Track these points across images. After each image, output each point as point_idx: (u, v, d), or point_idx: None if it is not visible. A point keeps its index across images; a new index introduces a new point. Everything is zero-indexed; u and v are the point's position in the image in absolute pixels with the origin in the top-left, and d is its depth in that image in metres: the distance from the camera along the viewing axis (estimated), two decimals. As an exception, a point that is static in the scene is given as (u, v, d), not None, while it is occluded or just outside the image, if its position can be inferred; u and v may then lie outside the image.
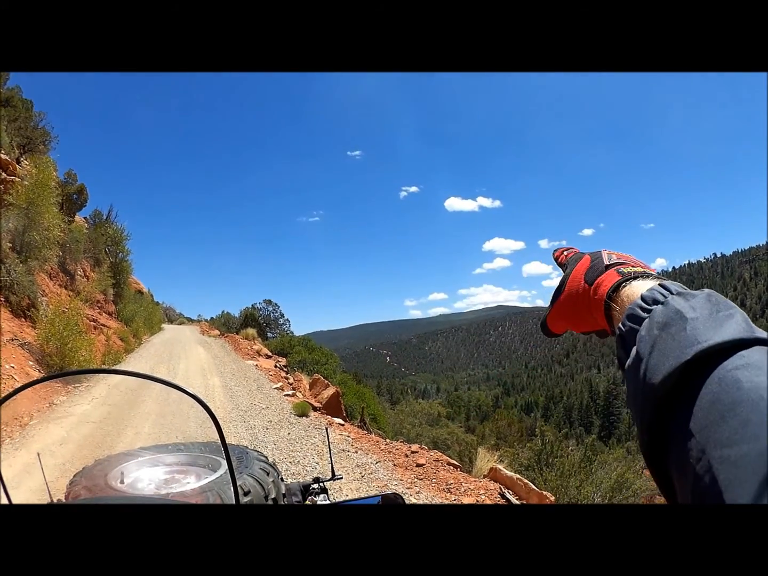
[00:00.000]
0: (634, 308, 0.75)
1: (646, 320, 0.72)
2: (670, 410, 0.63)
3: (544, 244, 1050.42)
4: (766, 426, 0.51)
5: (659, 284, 0.78)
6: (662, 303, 0.72)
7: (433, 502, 9.15)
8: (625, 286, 0.85)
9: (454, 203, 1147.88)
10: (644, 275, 0.86)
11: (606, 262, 0.96)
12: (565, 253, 1.17)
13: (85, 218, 35.06)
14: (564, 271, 1.10)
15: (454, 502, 9.44)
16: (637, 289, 0.82)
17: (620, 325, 0.77)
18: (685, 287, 0.76)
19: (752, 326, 0.65)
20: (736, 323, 0.64)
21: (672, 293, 0.74)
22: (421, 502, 9.24)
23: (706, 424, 0.56)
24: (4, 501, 1.33)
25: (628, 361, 0.72)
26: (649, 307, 0.73)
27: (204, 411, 1.24)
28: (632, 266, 0.91)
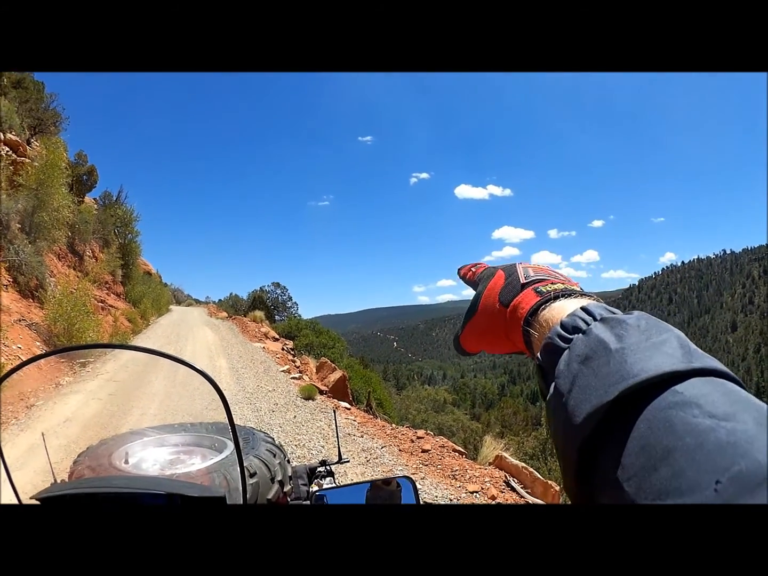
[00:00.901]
0: (553, 338, 0.67)
1: (566, 352, 0.64)
2: (594, 455, 0.56)
3: (553, 234, 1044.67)
4: (703, 476, 0.45)
5: (581, 308, 0.69)
6: (583, 332, 0.64)
7: (440, 491, 9.19)
8: (544, 309, 0.78)
9: (465, 191, 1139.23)
10: (565, 294, 0.79)
11: (522, 279, 0.88)
12: (473, 269, 1.12)
13: (94, 199, 35.26)
14: (475, 289, 1.04)
15: (459, 489, 9.45)
16: (558, 311, 0.75)
17: (538, 355, 0.70)
18: (613, 309, 0.69)
19: (691, 352, 0.57)
20: (669, 352, 0.56)
21: (595, 319, 0.66)
22: (425, 487, 9.28)
23: (635, 473, 0.50)
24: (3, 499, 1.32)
25: (548, 396, 0.65)
26: (569, 336, 0.66)
27: (212, 389, 1.23)
28: (551, 283, 0.84)
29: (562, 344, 0.65)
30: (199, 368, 1.26)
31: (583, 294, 0.78)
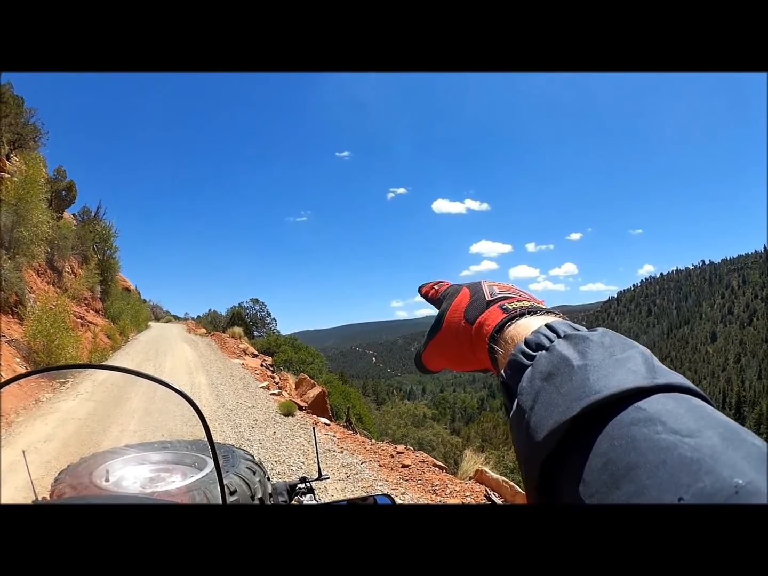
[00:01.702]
0: (517, 354, 0.66)
1: (529, 369, 0.64)
2: (556, 471, 0.56)
3: (531, 247, 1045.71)
4: (666, 493, 0.45)
5: (546, 325, 0.69)
6: (547, 348, 0.64)
7: (421, 503, 9.17)
8: (509, 326, 0.76)
9: (442, 205, 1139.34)
10: (531, 311, 0.77)
11: (488, 297, 0.87)
12: (436, 287, 1.12)
13: (73, 215, 34.98)
14: (437, 307, 1.04)
15: (441, 503, 9.41)
16: (523, 328, 0.73)
17: (503, 371, 0.69)
18: (577, 326, 0.69)
19: (655, 368, 0.56)
20: (632, 368, 0.56)
21: (559, 336, 0.66)
22: (406, 502, 9.11)
23: (597, 490, 0.50)
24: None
25: (511, 413, 0.64)
26: (532, 353, 0.65)
27: (191, 408, 1.24)
28: (517, 300, 0.83)
29: (526, 361, 0.65)
30: (177, 388, 1.28)
31: (548, 311, 0.78)
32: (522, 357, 0.65)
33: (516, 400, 0.63)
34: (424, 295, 1.14)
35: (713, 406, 0.53)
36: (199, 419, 1.25)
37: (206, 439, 1.25)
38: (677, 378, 0.55)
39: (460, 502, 9.46)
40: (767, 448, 0.45)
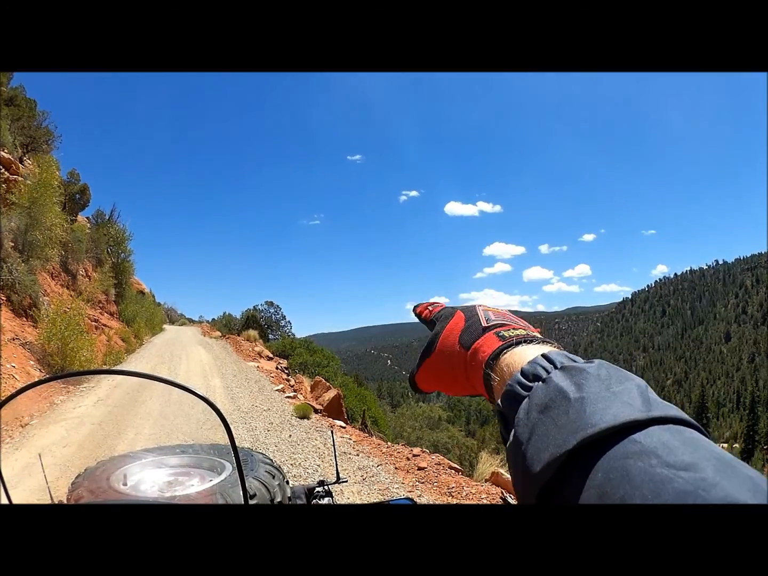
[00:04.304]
0: (513, 385, 0.67)
1: (526, 400, 0.64)
2: (552, 503, 0.57)
3: (544, 249, 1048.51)
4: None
5: (542, 355, 0.69)
6: (543, 380, 0.64)
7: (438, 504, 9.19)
8: (505, 354, 0.77)
9: (455, 208, 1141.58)
10: (527, 340, 0.78)
11: (483, 323, 0.87)
12: (430, 308, 1.11)
13: (87, 218, 35.42)
14: (430, 329, 1.04)
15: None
16: (519, 357, 0.74)
17: (499, 401, 0.69)
18: (573, 357, 0.68)
19: (650, 400, 0.57)
20: (628, 401, 0.56)
21: (556, 367, 0.65)
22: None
23: None
24: (4, 501, 1.31)
25: (508, 443, 0.65)
26: (529, 384, 0.65)
27: (213, 412, 1.22)
28: (513, 328, 0.83)
29: (523, 392, 0.65)
30: (200, 393, 1.26)
31: (544, 341, 0.78)
32: (519, 387, 0.66)
33: (513, 431, 0.64)
34: (418, 315, 1.14)
35: (708, 437, 0.54)
36: (221, 423, 1.24)
37: (224, 443, 1.25)
38: (672, 410, 0.56)
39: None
40: (761, 478, 0.46)
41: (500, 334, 0.81)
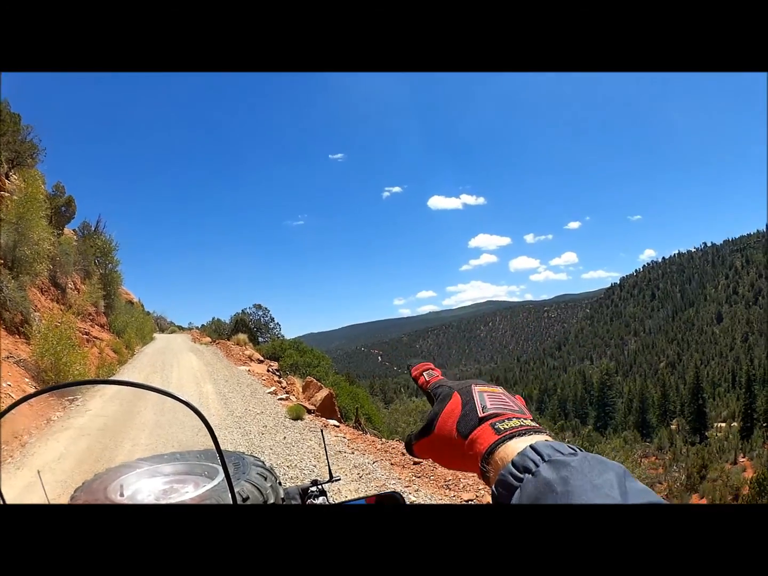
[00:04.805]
0: (506, 475, 0.74)
1: (517, 491, 0.71)
2: None
3: (530, 238, 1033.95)
4: None
5: (531, 447, 0.76)
6: (533, 473, 0.71)
7: (433, 502, 9.20)
8: (499, 448, 0.83)
9: (438, 202, 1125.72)
10: (520, 433, 0.83)
11: (480, 412, 0.92)
12: (426, 375, 1.17)
13: (73, 230, 34.86)
14: (428, 399, 1.12)
15: (454, 499, 9.51)
16: (512, 450, 0.80)
17: (493, 488, 0.76)
18: (559, 447, 0.76)
19: (627, 489, 0.65)
20: (608, 492, 0.65)
21: (543, 459, 0.72)
22: (420, 499, 9.30)
23: None
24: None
25: None
26: (520, 475, 0.72)
27: (198, 419, 1.28)
28: (508, 417, 0.89)
29: (514, 482, 0.72)
30: (183, 398, 1.32)
31: (536, 431, 0.84)
32: (511, 478, 0.73)
33: None
34: (414, 379, 1.20)
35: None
36: (206, 428, 1.29)
37: (224, 448, 1.29)
38: (647, 496, 0.66)
39: (474, 496, 9.59)
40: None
41: (495, 427, 0.86)
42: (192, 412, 1.31)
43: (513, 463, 0.74)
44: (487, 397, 0.96)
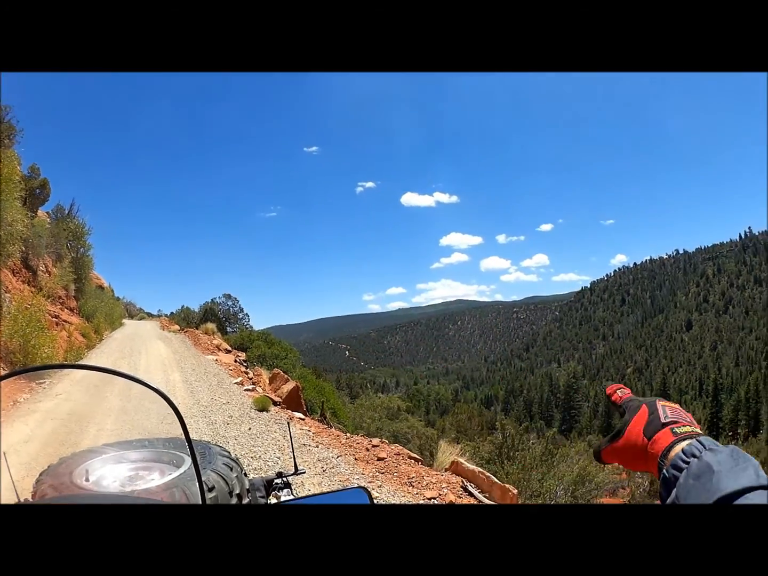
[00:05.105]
0: (677, 460, 0.99)
1: (684, 470, 0.95)
2: None
3: (501, 239, 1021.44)
4: None
5: (697, 440, 1.01)
6: (697, 457, 0.95)
7: (396, 498, 9.29)
8: (676, 445, 1.05)
9: (411, 199, 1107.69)
10: (691, 436, 1.05)
11: (662, 419, 1.13)
12: (619, 392, 1.35)
13: (47, 213, 34.65)
14: (618, 412, 1.30)
15: (417, 496, 9.56)
16: (682, 445, 1.03)
17: (665, 471, 1.01)
18: (716, 443, 0.99)
19: (761, 475, 0.87)
20: (749, 475, 0.87)
21: (705, 449, 0.97)
22: (383, 495, 9.38)
23: None
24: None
25: (668, 500, 0.95)
26: (687, 459, 0.97)
27: (168, 406, 1.31)
28: (683, 425, 1.10)
29: (683, 465, 0.97)
30: (153, 385, 1.34)
31: (700, 434, 1.07)
32: (680, 462, 0.99)
33: (674, 490, 0.95)
34: (608, 396, 1.39)
35: None
36: (176, 416, 1.32)
37: (183, 436, 1.31)
38: None
39: (437, 494, 9.63)
40: None
41: (674, 431, 1.09)
42: (161, 399, 1.32)
43: (683, 451, 1.00)
44: (668, 409, 1.18)
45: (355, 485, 2.20)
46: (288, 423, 3.63)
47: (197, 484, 1.42)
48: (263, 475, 2.62)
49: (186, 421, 1.33)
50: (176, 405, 1.33)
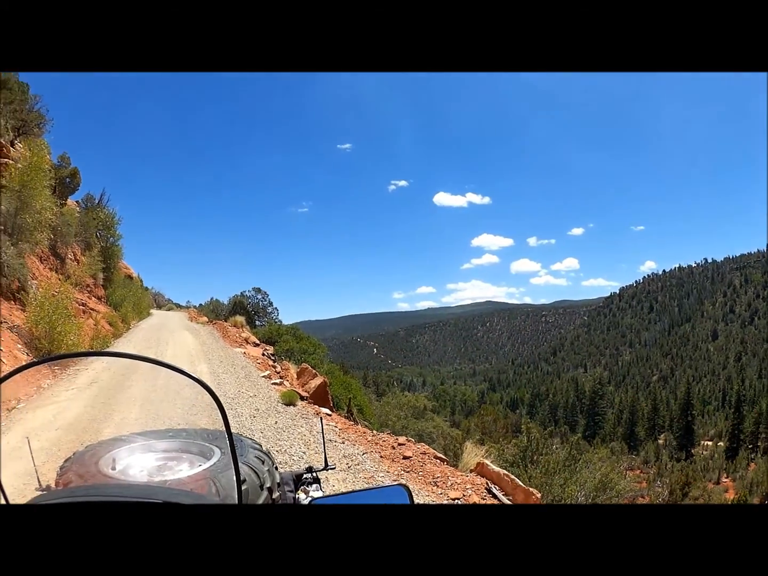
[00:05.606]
0: None
1: None
2: None
3: (532, 242, 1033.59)
4: None
5: None
6: None
7: (422, 497, 9.20)
8: None
9: (443, 199, 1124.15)
10: None
11: None
12: None
13: (77, 202, 35.15)
14: None
15: (441, 496, 9.53)
16: None
17: None
18: None
19: None
20: None
21: None
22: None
23: None
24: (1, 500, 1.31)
25: None
26: None
27: (193, 396, 1.23)
28: None
29: None
30: (197, 377, 1.28)
31: None
32: None
33: None
34: None
35: None
36: (217, 408, 1.25)
37: (212, 427, 1.25)
38: None
39: (461, 495, 9.64)
40: None
41: None
42: (186, 389, 1.26)
43: None
44: None
45: (395, 483, 2.13)
46: (321, 418, 3.71)
47: (228, 475, 1.41)
48: (291, 469, 2.58)
49: (211, 413, 1.27)
50: (218, 396, 1.29)
